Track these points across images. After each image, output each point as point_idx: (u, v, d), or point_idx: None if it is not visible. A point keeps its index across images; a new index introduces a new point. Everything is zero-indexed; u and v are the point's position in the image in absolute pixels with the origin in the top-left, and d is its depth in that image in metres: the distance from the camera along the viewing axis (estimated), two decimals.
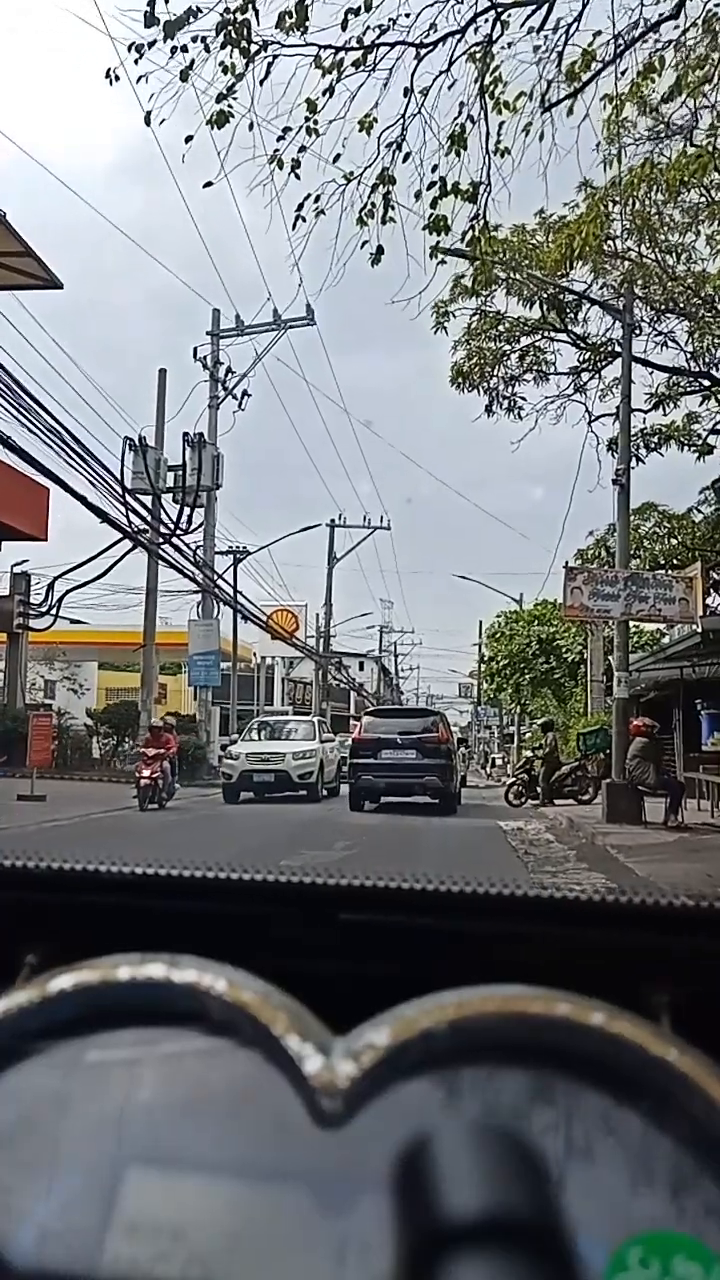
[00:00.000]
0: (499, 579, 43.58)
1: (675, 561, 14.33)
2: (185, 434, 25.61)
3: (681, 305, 13.90)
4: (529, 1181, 0.43)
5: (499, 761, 42.54)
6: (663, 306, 14.23)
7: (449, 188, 7.67)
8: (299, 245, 8.09)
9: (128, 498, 20.61)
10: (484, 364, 15.14)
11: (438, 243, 7.97)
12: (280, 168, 7.55)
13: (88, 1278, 0.42)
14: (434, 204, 7.71)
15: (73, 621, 32.87)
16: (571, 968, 0.54)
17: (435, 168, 7.59)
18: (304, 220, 7.98)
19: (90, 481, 17.70)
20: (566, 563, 12.41)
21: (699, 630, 12.56)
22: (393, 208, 8.02)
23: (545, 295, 13.91)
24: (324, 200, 7.90)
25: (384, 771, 14.57)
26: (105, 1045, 0.50)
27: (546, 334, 14.59)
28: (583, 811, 14.80)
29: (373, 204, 7.93)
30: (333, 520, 39.66)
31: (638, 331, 13.84)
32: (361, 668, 56.29)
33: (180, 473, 25.06)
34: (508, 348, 15.20)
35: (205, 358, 27.22)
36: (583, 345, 14.43)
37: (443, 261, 8.07)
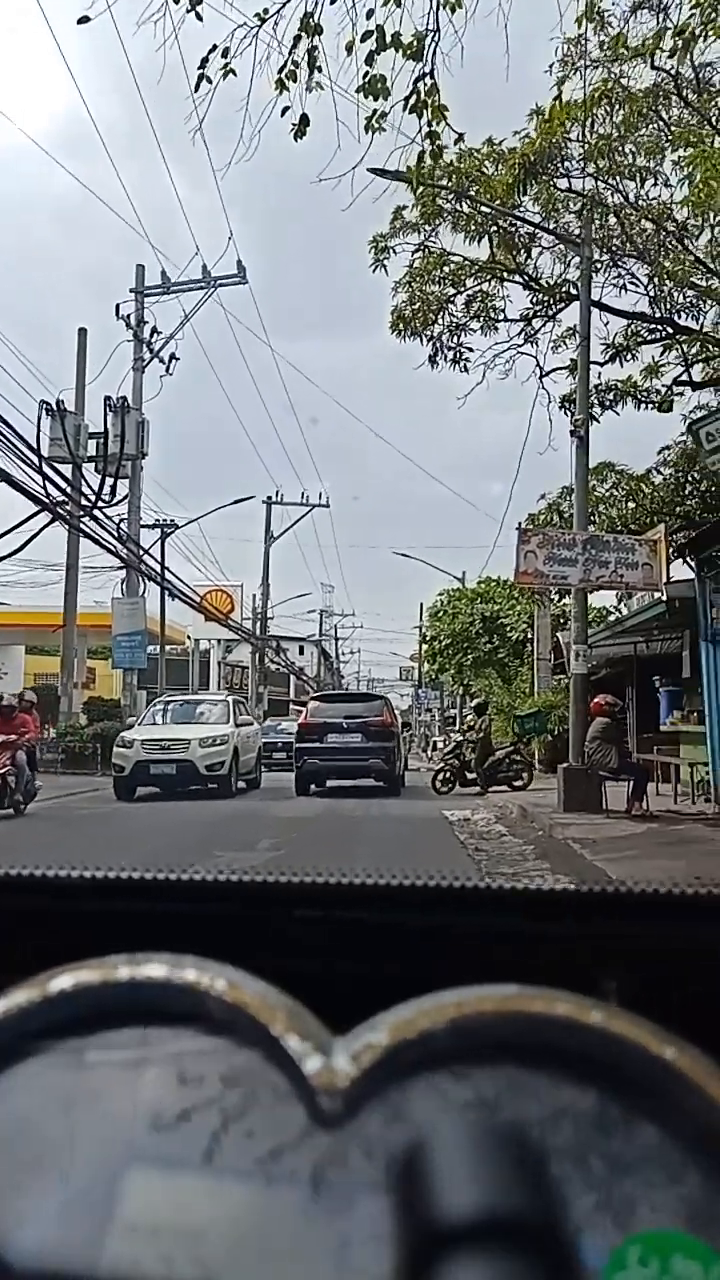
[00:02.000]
0: (441, 556, 42.32)
1: (633, 527, 13.16)
2: (107, 398, 23.79)
3: (642, 244, 12.68)
4: (528, 1181, 0.43)
5: (440, 745, 41.52)
6: (621, 248, 13.01)
7: (388, 40, 6.24)
8: (203, 105, 6.56)
9: (45, 466, 18.91)
10: (427, 309, 13.73)
11: (374, 112, 6.52)
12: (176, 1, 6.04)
13: (88, 1278, 0.42)
14: (369, 60, 6.28)
15: None
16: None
17: (371, 14, 6.17)
18: (209, 82, 6.49)
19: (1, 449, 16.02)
20: (520, 523, 11.18)
21: (663, 599, 11.40)
22: (319, 69, 6.57)
23: (495, 229, 12.56)
24: (234, 53, 6.41)
25: (330, 755, 14.91)
26: (105, 1045, 0.50)
27: (496, 273, 13.23)
28: (534, 798, 13.68)
29: (294, 62, 6.47)
30: (269, 497, 38.25)
31: (595, 273, 12.59)
32: (302, 652, 55.18)
33: (102, 440, 23.32)
34: (453, 291, 13.81)
35: (129, 316, 25.34)
36: (536, 286, 13.11)
37: (380, 130, 6.60)
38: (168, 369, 26.08)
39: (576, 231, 12.28)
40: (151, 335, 25.47)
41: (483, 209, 12.35)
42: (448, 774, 15.55)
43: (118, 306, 25.05)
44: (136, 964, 0.51)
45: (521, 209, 12.07)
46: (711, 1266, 0.40)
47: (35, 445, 18.15)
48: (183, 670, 37.03)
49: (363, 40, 6.19)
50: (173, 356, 26.07)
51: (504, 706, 24.36)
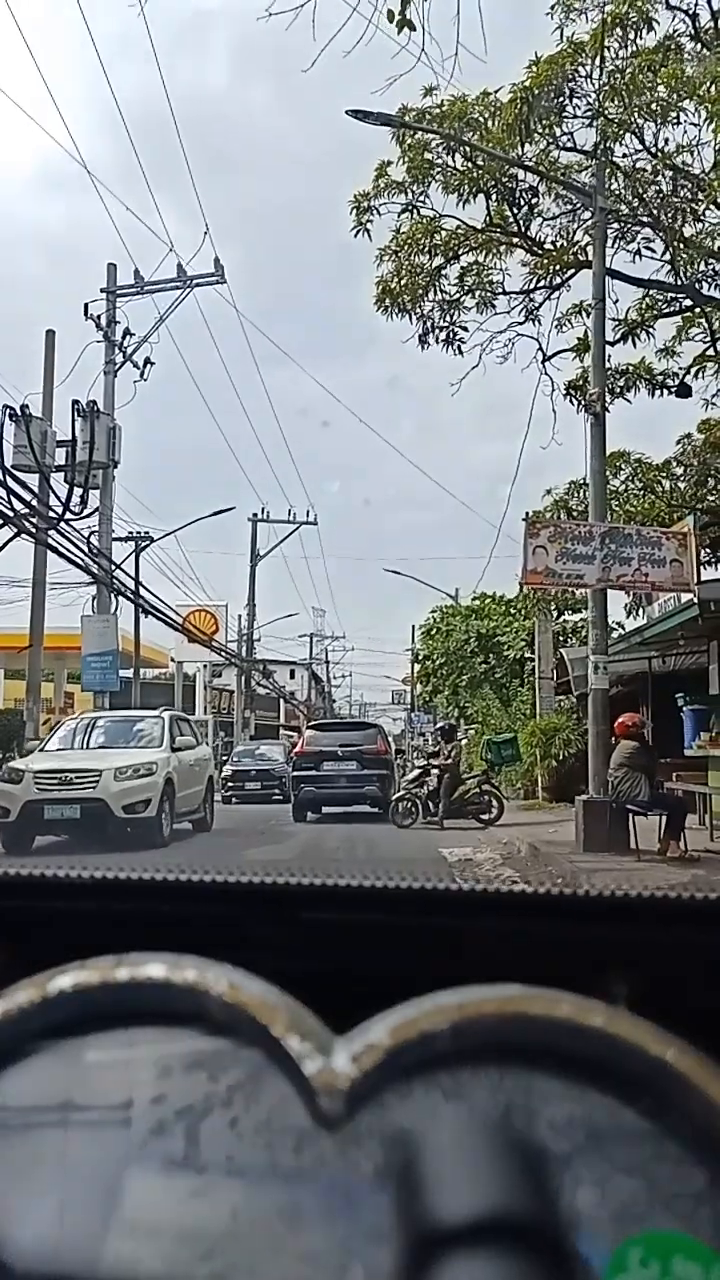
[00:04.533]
0: (434, 575, 40.56)
1: (652, 524, 11.56)
2: (75, 402, 22.21)
3: (657, 206, 11.16)
4: (529, 1182, 0.43)
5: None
6: (633, 214, 11.49)
7: None
8: None
9: (8, 476, 17.32)
10: (416, 282, 12.18)
11: None
12: None
13: (88, 1278, 0.42)
14: None
15: None
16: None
17: None
18: None
19: None
20: (528, 512, 9.59)
21: (695, 600, 9.76)
22: None
23: (492, 184, 11.03)
24: None
25: (326, 783, 15.12)
26: (105, 1045, 0.50)
27: (493, 241, 11.69)
28: (541, 832, 12.01)
29: None
30: (254, 514, 36.76)
31: (605, 237, 11.05)
32: (293, 676, 53.64)
33: (71, 448, 21.76)
34: (443, 262, 12.27)
35: (99, 317, 23.82)
36: (538, 251, 11.57)
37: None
38: (142, 374, 24.54)
39: (580, 192, 10.73)
40: (124, 338, 23.97)
41: (478, 162, 10.83)
42: (409, 804, 13.86)
43: (86, 306, 23.53)
44: (136, 964, 0.51)
45: (524, 160, 10.53)
46: (711, 1267, 0.41)
47: None
48: (166, 694, 35.41)
49: None
50: (148, 361, 24.55)
51: (503, 729, 22.72)
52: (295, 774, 15.97)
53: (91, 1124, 0.48)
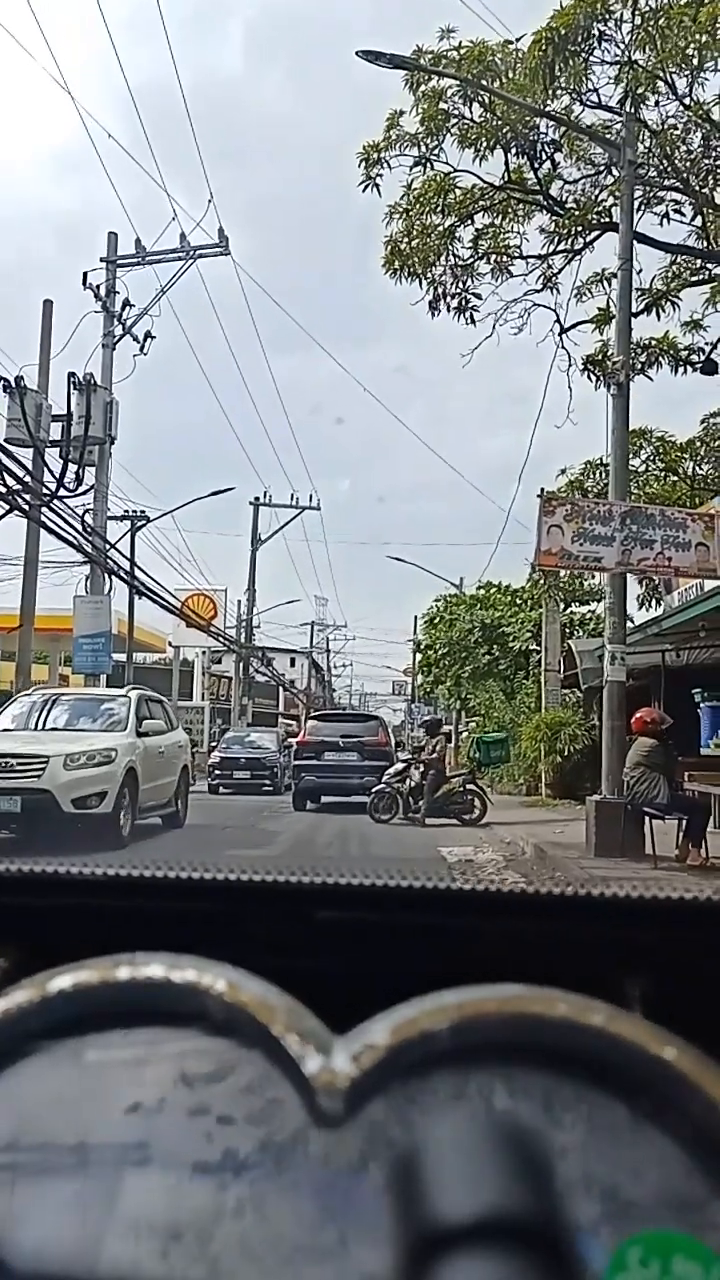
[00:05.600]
0: (439, 563, 39.89)
1: (675, 506, 10.82)
2: (71, 374, 21.43)
3: (687, 168, 10.39)
4: (529, 1181, 0.43)
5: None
6: (661, 176, 10.72)
7: None
8: None
9: (1, 451, 16.59)
10: (427, 243, 11.42)
11: None
12: None
13: (88, 1278, 0.42)
14: None
15: None
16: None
17: None
18: None
19: None
20: (542, 489, 8.85)
21: None
22: None
23: (512, 137, 10.26)
24: None
25: (326, 773, 15.55)
26: (105, 1045, 0.50)
27: (510, 202, 10.92)
28: (545, 831, 11.33)
29: None
30: (257, 498, 36.06)
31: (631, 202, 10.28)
32: (293, 664, 53.09)
33: (66, 422, 21.02)
34: (457, 223, 11.50)
35: (98, 286, 23.02)
36: (559, 211, 10.80)
37: None
38: (142, 348, 23.75)
39: (608, 143, 9.96)
40: (123, 309, 23.18)
41: (497, 113, 10.06)
42: (389, 799, 13.34)
43: (85, 275, 22.71)
44: (136, 964, 0.51)
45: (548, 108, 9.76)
46: (711, 1267, 0.41)
47: None
48: (163, 679, 34.84)
49: None
50: (148, 335, 23.75)
51: (506, 723, 22.01)
52: (297, 763, 16.45)
53: (91, 1124, 0.47)
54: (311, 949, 0.62)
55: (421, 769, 13.49)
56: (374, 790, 13.47)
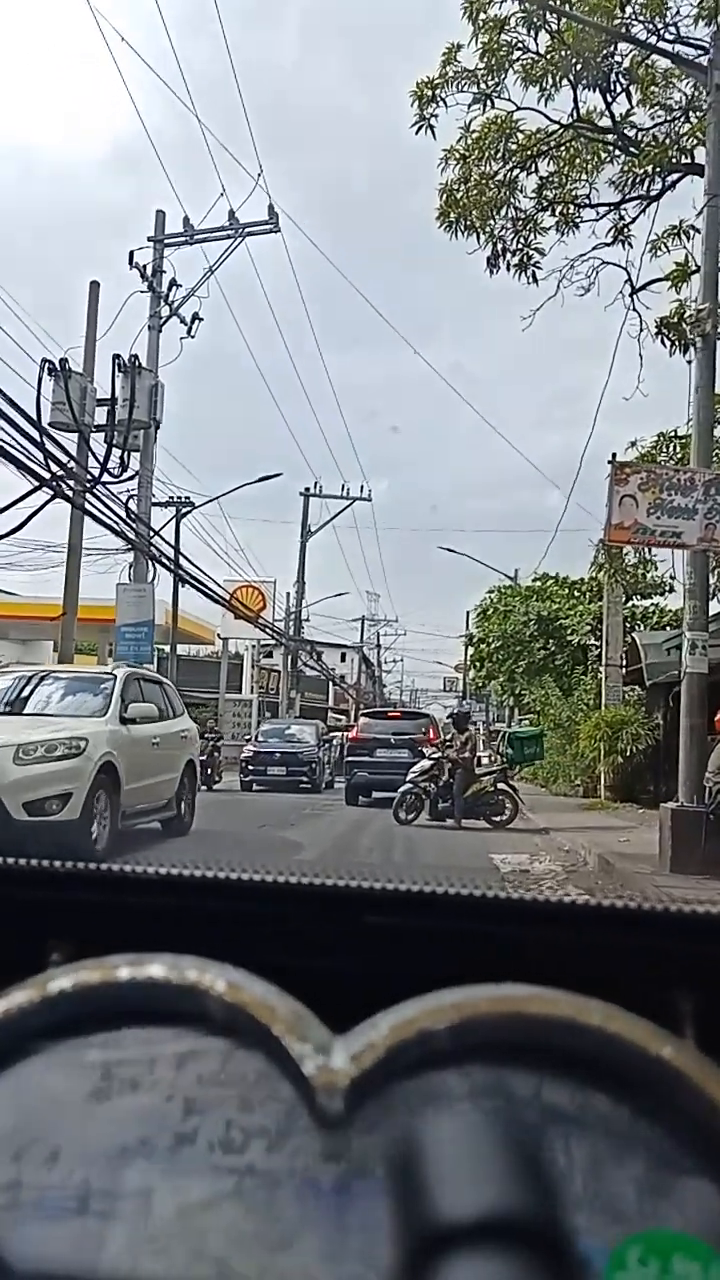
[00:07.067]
0: (493, 556, 38.76)
1: None
2: (115, 356, 20.82)
3: None
4: (528, 1181, 0.43)
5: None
6: None
7: None
8: None
9: (45, 437, 15.98)
10: (486, 193, 10.42)
11: None
12: None
13: (88, 1278, 0.42)
14: None
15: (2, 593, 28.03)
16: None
17: None
18: None
19: None
20: (614, 454, 7.85)
21: None
22: None
23: (583, 67, 9.20)
24: None
25: (378, 769, 16.04)
26: (105, 1045, 0.50)
27: (582, 134, 9.85)
28: (610, 840, 10.29)
29: None
30: (307, 489, 35.36)
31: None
32: (344, 659, 52.46)
33: (110, 406, 20.42)
34: (519, 171, 10.47)
35: (144, 266, 22.40)
36: (635, 150, 9.71)
37: None
38: (189, 330, 23.08)
39: (694, 67, 8.85)
40: (170, 289, 22.51)
41: (566, 39, 9.02)
42: (415, 797, 12.41)
43: (131, 254, 22.07)
44: (137, 964, 0.51)
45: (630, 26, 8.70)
46: (711, 1266, 0.41)
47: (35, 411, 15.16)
48: (212, 672, 34.28)
49: None
50: (196, 316, 23.06)
51: (563, 721, 20.90)
52: (349, 759, 17.28)
53: (91, 1124, 0.47)
54: (312, 949, 0.60)
55: (450, 767, 12.59)
56: (400, 790, 12.61)
